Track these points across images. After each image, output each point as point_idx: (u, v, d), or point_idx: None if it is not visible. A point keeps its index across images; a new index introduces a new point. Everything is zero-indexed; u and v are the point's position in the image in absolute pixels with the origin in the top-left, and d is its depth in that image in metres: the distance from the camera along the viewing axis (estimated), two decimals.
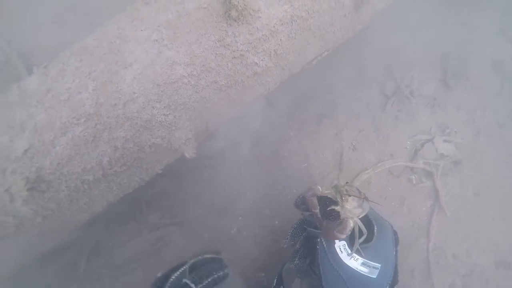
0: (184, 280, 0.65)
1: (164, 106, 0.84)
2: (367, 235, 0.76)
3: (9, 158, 0.77)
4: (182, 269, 0.68)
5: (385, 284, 0.72)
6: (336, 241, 0.74)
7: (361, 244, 0.75)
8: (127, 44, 0.83)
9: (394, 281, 0.74)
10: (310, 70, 1.12)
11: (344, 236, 0.72)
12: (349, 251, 0.73)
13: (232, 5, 0.78)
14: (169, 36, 0.83)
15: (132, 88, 0.80)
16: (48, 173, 0.79)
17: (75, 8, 1.20)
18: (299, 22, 0.91)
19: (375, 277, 0.71)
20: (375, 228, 0.76)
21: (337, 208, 0.74)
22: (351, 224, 0.72)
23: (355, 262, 0.72)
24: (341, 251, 0.73)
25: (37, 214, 0.83)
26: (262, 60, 0.91)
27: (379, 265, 0.72)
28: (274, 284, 0.86)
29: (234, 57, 0.86)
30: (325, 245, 0.75)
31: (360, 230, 0.74)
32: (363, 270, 0.72)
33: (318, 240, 0.76)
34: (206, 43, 0.83)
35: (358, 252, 0.73)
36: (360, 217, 0.74)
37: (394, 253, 0.76)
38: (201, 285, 0.67)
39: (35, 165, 0.78)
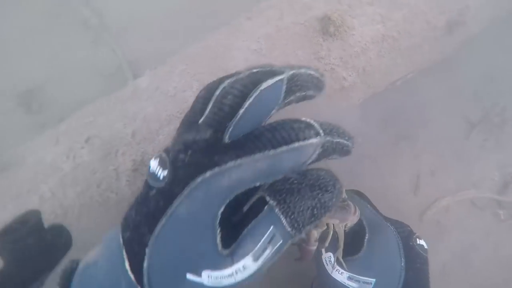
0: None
1: None
2: (355, 246, 0.67)
3: (121, 142, 0.89)
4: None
5: None
6: (323, 252, 0.67)
7: (346, 256, 0.66)
8: (229, 52, 0.92)
9: None
10: (392, 93, 1.13)
11: (311, 247, 0.62)
12: (334, 264, 0.65)
13: (331, 21, 0.85)
14: (267, 47, 0.91)
15: None
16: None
17: (178, 23, 1.36)
18: (390, 42, 0.94)
19: None
20: (366, 236, 0.67)
21: None
22: (314, 234, 0.62)
23: (341, 276, 0.65)
24: (327, 263, 0.67)
25: (133, 195, 0.92)
26: (350, 75, 0.95)
27: (373, 279, 0.63)
28: None
29: (325, 70, 0.91)
30: (316, 257, 0.69)
31: (335, 240, 0.65)
32: (352, 285, 0.64)
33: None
34: (302, 55, 0.90)
35: (341, 265, 0.65)
36: (340, 225, 0.64)
37: (403, 264, 0.65)
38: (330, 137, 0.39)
39: (141, 149, 0.88)
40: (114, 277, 0.41)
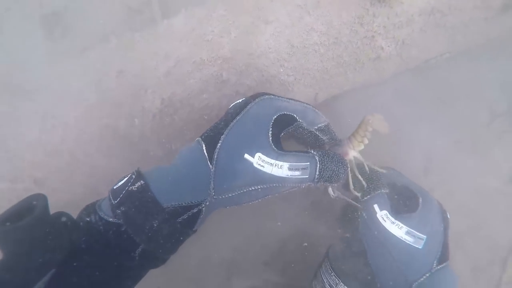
0: None
1: (291, 67, 0.89)
2: (411, 205, 0.76)
3: (152, 80, 0.88)
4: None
5: (433, 258, 0.71)
6: (378, 211, 0.73)
7: (405, 213, 0.75)
8: (271, 3, 0.89)
9: (443, 257, 0.72)
10: (423, 71, 1.11)
11: (353, 152, 0.74)
12: (393, 219, 0.72)
13: None
14: (312, 4, 0.87)
15: (269, 43, 0.87)
16: (177, 99, 0.89)
17: None
18: (437, 16, 0.91)
19: (420, 247, 0.70)
20: (420, 199, 0.76)
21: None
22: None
23: (399, 231, 0.71)
24: (384, 220, 0.73)
25: (155, 134, 0.93)
26: (389, 46, 0.93)
27: (425, 236, 0.71)
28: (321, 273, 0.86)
29: (366, 36, 0.89)
30: (366, 217, 0.75)
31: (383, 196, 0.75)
32: (408, 239, 0.71)
33: (359, 213, 0.77)
34: (346, 17, 0.87)
35: (403, 220, 0.73)
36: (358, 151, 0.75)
37: (442, 229, 0.74)
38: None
39: (170, 90, 0.88)
40: (190, 161, 0.63)
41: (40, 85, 0.97)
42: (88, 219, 0.62)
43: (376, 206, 0.74)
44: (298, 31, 0.87)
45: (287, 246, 1.17)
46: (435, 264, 0.70)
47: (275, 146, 0.61)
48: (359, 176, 0.76)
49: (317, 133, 0.71)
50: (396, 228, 0.71)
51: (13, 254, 0.52)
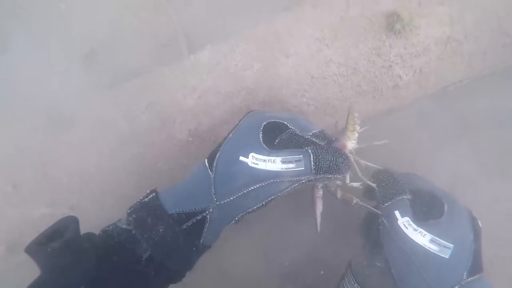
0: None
1: (311, 97, 0.93)
2: (436, 212, 0.72)
3: (180, 111, 0.94)
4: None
5: (463, 268, 0.66)
6: (399, 217, 0.70)
7: (429, 220, 0.70)
8: (291, 37, 0.95)
9: (475, 267, 0.66)
10: (442, 97, 1.13)
11: (350, 142, 0.74)
12: (415, 226, 0.68)
13: (399, 18, 0.85)
14: (330, 37, 0.92)
15: (290, 75, 0.91)
16: (203, 130, 0.94)
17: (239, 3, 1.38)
18: (453, 45, 0.93)
19: (447, 257, 0.65)
20: (445, 205, 0.72)
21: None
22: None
23: (422, 238, 0.67)
24: (406, 227, 0.69)
25: (184, 161, 0.98)
26: (406, 74, 0.95)
27: (451, 245, 0.66)
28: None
29: (383, 66, 0.92)
30: (387, 224, 0.72)
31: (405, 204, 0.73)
32: (433, 248, 0.66)
33: (380, 221, 0.74)
34: (363, 48, 0.91)
35: (426, 227, 0.68)
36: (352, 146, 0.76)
37: (472, 237, 0.69)
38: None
39: (197, 121, 0.94)
40: (194, 174, 0.70)
41: (78, 116, 1.05)
42: (107, 228, 0.70)
43: (397, 213, 0.71)
44: (317, 62, 0.91)
45: (303, 271, 1.17)
46: (465, 276, 0.65)
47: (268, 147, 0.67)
48: (367, 164, 0.77)
49: (313, 139, 0.72)
50: (419, 236, 0.67)
51: (49, 271, 0.57)
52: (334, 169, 0.65)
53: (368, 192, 0.82)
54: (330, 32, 0.92)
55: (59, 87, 1.33)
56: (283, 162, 0.63)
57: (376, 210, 0.74)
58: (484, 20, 0.91)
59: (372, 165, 0.80)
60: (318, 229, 0.76)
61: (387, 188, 0.75)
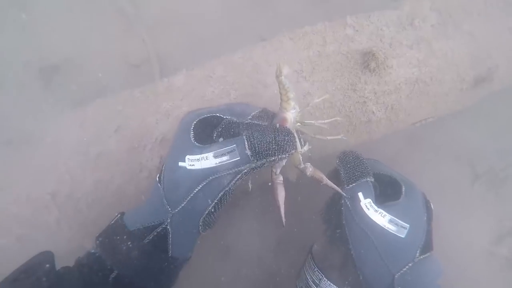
0: None
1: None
2: (394, 194, 0.74)
3: (151, 137, 0.89)
4: None
5: (416, 247, 0.68)
6: (362, 198, 0.71)
7: (388, 201, 0.73)
8: (269, 68, 0.95)
9: (427, 246, 0.70)
10: (408, 132, 1.18)
11: (289, 113, 0.71)
12: (376, 208, 0.70)
13: (374, 57, 0.88)
14: (308, 70, 0.94)
15: (267, 105, 0.90)
16: None
17: (212, 28, 1.38)
18: (421, 86, 0.99)
19: (403, 236, 0.68)
20: (403, 187, 0.75)
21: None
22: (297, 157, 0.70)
23: (382, 219, 0.69)
24: (368, 208, 0.70)
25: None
26: (379, 110, 0.98)
27: (408, 225, 0.69)
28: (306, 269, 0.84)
29: (358, 102, 0.95)
30: (349, 205, 0.72)
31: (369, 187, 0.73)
32: (391, 228, 0.68)
33: (342, 201, 0.75)
34: (339, 83, 0.93)
35: (386, 208, 0.70)
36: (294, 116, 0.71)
37: (425, 218, 0.73)
38: None
39: (169, 147, 0.89)
40: (151, 192, 0.72)
41: (36, 136, 0.96)
42: (79, 256, 0.69)
43: (360, 194, 0.72)
44: (296, 94, 0.92)
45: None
46: (418, 254, 0.68)
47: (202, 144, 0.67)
48: (320, 124, 0.75)
49: (254, 121, 0.71)
50: (379, 217, 0.69)
51: None
52: (276, 149, 0.62)
53: (331, 173, 0.82)
54: (308, 66, 0.94)
55: (16, 104, 1.23)
56: (215, 156, 0.63)
57: (340, 190, 0.73)
58: (446, 68, 0.97)
59: (324, 124, 0.78)
60: (283, 220, 0.72)
61: (353, 169, 0.75)
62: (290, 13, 1.35)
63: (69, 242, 0.95)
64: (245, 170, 0.63)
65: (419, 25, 0.97)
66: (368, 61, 0.90)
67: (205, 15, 1.36)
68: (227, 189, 0.64)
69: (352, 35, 0.98)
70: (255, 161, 0.63)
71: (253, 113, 0.73)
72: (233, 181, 0.64)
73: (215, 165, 0.62)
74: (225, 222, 1.12)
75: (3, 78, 1.28)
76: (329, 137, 0.75)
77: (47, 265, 0.63)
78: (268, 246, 1.16)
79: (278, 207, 0.72)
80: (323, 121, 0.78)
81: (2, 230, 0.89)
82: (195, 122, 0.70)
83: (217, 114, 0.72)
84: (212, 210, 0.66)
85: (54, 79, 1.29)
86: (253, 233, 1.19)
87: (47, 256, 0.65)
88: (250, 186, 0.78)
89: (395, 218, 0.69)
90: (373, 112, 0.98)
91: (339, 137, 0.76)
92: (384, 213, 0.70)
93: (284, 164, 0.73)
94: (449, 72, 0.99)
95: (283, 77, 0.69)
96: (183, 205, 0.64)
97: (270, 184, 0.74)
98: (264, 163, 0.64)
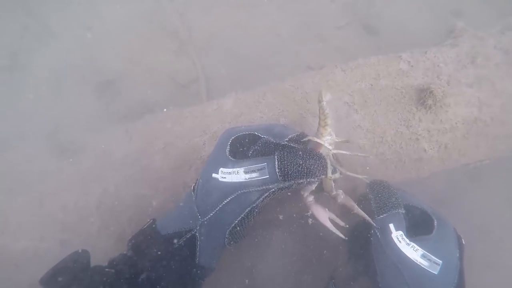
0: None
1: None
2: (426, 227, 0.71)
3: (197, 158, 0.90)
4: None
5: (449, 285, 0.65)
6: (393, 230, 0.69)
7: (420, 235, 0.69)
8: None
9: (460, 284, 0.66)
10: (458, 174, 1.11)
11: (324, 139, 0.69)
12: (408, 241, 0.67)
13: (432, 95, 0.85)
14: (359, 103, 0.92)
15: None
16: None
17: (262, 55, 1.40)
18: (479, 126, 0.93)
19: (436, 273, 0.64)
20: (435, 221, 0.71)
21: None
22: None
23: (414, 253, 0.66)
24: (399, 240, 0.68)
25: None
26: (431, 149, 0.94)
27: (441, 261, 0.65)
28: None
29: (410, 138, 0.91)
30: (379, 236, 0.69)
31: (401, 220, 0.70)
32: (423, 263, 0.66)
33: (372, 232, 0.71)
34: (392, 118, 0.90)
35: (418, 242, 0.67)
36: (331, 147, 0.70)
37: (458, 255, 0.68)
38: None
39: None
40: (184, 200, 0.73)
41: (87, 147, 1.00)
42: (112, 257, 0.72)
43: (391, 226, 0.69)
44: (345, 126, 0.90)
45: None
46: None
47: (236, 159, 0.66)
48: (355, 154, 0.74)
49: (291, 143, 0.71)
50: (412, 250, 0.67)
51: None
52: (305, 172, 0.63)
53: (362, 203, 0.79)
54: (360, 98, 0.92)
55: (69, 112, 1.30)
56: (245, 172, 0.64)
57: (370, 220, 0.71)
58: (511, 108, 0.92)
59: (360, 154, 0.78)
60: (341, 236, 0.71)
61: (384, 200, 0.73)
62: (339, 45, 1.35)
63: (105, 251, 0.96)
64: (273, 189, 0.64)
65: (481, 63, 0.93)
66: (424, 97, 0.87)
67: (255, 42, 1.40)
68: (254, 205, 0.65)
69: (406, 70, 0.96)
70: (284, 181, 0.63)
71: (291, 136, 0.73)
72: (261, 198, 0.65)
73: (244, 180, 0.64)
74: (253, 243, 1.09)
75: (63, 88, 1.37)
76: (350, 173, 0.73)
77: (85, 261, 0.68)
78: (290, 272, 1.11)
79: (326, 227, 0.71)
80: (357, 154, 0.77)
81: (47, 234, 0.91)
82: (233, 137, 0.71)
83: (255, 133, 0.73)
84: (240, 224, 0.67)
85: (107, 93, 1.35)
86: (277, 258, 1.14)
87: (84, 254, 0.69)
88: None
89: (427, 253, 0.66)
90: (425, 150, 0.94)
91: (361, 177, 0.74)
92: (417, 247, 0.67)
93: (313, 188, 0.72)
94: None
95: (324, 102, 0.69)
96: (211, 214, 0.66)
97: (309, 213, 0.73)
98: (292, 185, 0.64)
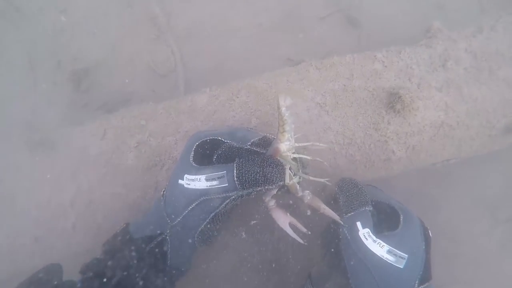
0: None
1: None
2: (392, 222, 0.74)
3: (169, 157, 0.91)
4: None
5: (415, 277, 0.68)
6: (360, 228, 0.71)
7: (386, 231, 0.72)
8: (292, 99, 0.94)
9: (426, 276, 0.69)
10: (428, 172, 1.15)
11: (283, 144, 0.68)
12: (374, 238, 0.70)
13: (400, 100, 0.87)
14: (331, 104, 0.93)
15: None
16: None
17: (244, 47, 1.38)
18: (446, 129, 0.96)
19: (401, 267, 0.68)
20: (401, 217, 0.74)
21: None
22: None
23: (380, 249, 0.69)
24: (366, 238, 0.70)
25: None
26: (399, 150, 0.96)
27: (406, 255, 0.68)
28: None
29: (379, 140, 0.93)
30: (347, 234, 0.72)
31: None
32: (389, 258, 0.68)
33: (340, 230, 0.74)
34: (362, 121, 0.92)
35: (384, 238, 0.70)
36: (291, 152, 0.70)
37: (424, 247, 0.72)
38: None
39: None
40: (155, 204, 0.76)
41: (61, 143, 1.00)
42: (86, 262, 0.73)
43: (358, 224, 0.72)
44: (316, 128, 0.91)
45: None
46: (416, 284, 0.68)
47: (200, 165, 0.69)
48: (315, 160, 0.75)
49: (253, 148, 0.73)
50: (378, 247, 0.69)
51: None
52: (262, 180, 0.64)
53: (331, 202, 0.82)
54: (332, 99, 0.93)
55: (44, 103, 1.28)
56: (207, 180, 0.66)
57: (338, 220, 0.73)
58: (475, 113, 0.94)
59: (319, 160, 0.79)
60: (300, 241, 0.73)
61: (352, 198, 0.75)
62: (320, 36, 1.33)
63: (81, 246, 0.98)
64: (233, 197, 0.67)
65: (451, 67, 0.94)
66: (393, 102, 0.88)
67: (236, 31, 1.37)
68: (217, 210, 0.68)
69: (380, 71, 0.97)
70: (242, 189, 0.65)
71: (253, 140, 0.74)
72: (223, 204, 0.68)
73: (206, 187, 0.66)
74: (224, 243, 1.13)
75: (38, 76, 1.33)
76: (311, 178, 0.75)
77: (57, 275, 0.70)
78: (266, 269, 1.15)
79: (286, 231, 0.72)
80: (317, 159, 0.78)
81: (22, 230, 0.93)
82: (197, 143, 0.73)
83: (219, 138, 0.74)
84: (206, 228, 0.71)
85: (83, 82, 1.33)
86: (253, 256, 1.18)
87: (56, 269, 0.71)
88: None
89: (393, 249, 0.69)
90: (393, 152, 0.96)
91: (322, 180, 0.75)
92: (383, 243, 0.70)
93: (274, 193, 0.74)
94: (478, 117, 0.95)
95: (284, 108, 0.68)
96: (179, 219, 0.69)
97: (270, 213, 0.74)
98: (251, 192, 0.66)
